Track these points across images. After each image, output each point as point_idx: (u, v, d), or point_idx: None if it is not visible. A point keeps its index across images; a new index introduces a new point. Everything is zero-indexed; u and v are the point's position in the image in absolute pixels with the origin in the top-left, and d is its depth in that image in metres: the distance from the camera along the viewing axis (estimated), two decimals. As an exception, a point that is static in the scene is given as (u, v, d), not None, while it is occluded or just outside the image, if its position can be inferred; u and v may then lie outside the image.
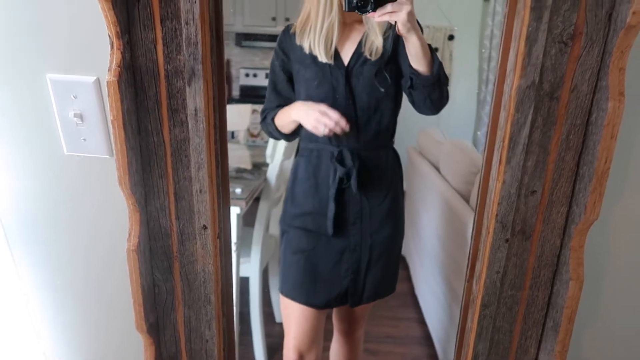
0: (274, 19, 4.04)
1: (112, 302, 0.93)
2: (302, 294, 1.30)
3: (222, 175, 0.81)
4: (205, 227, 0.80)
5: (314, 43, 1.17)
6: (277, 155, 1.85)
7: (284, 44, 1.26)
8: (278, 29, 1.52)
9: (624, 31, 0.61)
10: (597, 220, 0.72)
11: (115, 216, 0.85)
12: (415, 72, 1.11)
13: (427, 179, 2.25)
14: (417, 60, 1.09)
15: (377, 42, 1.17)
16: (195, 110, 0.72)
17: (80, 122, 0.80)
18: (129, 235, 0.79)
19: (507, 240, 0.76)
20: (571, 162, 0.71)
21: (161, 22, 0.69)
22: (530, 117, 0.69)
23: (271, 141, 1.64)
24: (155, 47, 0.70)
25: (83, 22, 0.75)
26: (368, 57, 1.18)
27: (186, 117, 0.73)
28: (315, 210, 1.26)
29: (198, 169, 0.76)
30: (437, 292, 2.01)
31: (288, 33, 1.25)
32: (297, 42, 1.21)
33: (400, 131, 1.35)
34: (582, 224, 0.72)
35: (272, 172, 1.89)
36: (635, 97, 0.71)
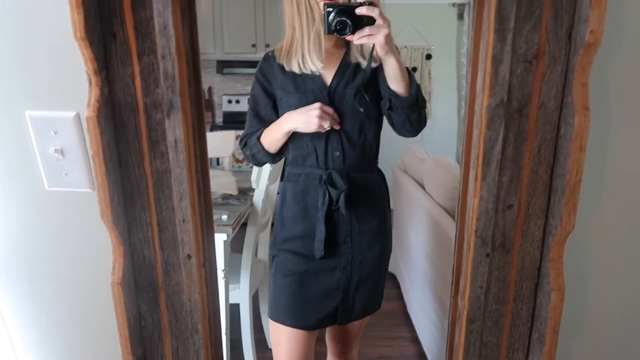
0: (254, 45, 4.11)
1: (98, 336, 0.92)
2: (291, 316, 1.29)
3: (204, 204, 0.82)
4: (189, 257, 0.80)
5: (306, 52, 1.17)
6: (263, 180, 1.86)
7: (265, 70, 1.27)
8: (259, 55, 1.54)
9: (583, 49, 0.64)
10: (575, 230, 0.74)
11: (98, 250, 0.85)
12: (393, 93, 1.14)
13: (412, 196, 2.27)
14: (395, 82, 1.12)
15: (363, 63, 1.20)
16: (175, 141, 0.73)
17: (61, 157, 0.81)
18: (113, 268, 0.79)
19: (488, 255, 0.77)
20: (544, 175, 0.73)
21: (138, 57, 0.70)
22: (501, 134, 0.71)
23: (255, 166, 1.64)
24: (134, 82, 0.72)
25: (61, 58, 0.76)
26: (352, 79, 1.20)
27: (166, 149, 0.74)
28: (305, 234, 1.26)
29: (180, 199, 0.76)
30: (429, 310, 2.00)
31: (268, 60, 1.27)
32: (286, 67, 1.22)
33: (384, 150, 1.37)
34: (559, 235, 0.74)
35: (258, 197, 1.89)
36: (601, 111, 0.74)
